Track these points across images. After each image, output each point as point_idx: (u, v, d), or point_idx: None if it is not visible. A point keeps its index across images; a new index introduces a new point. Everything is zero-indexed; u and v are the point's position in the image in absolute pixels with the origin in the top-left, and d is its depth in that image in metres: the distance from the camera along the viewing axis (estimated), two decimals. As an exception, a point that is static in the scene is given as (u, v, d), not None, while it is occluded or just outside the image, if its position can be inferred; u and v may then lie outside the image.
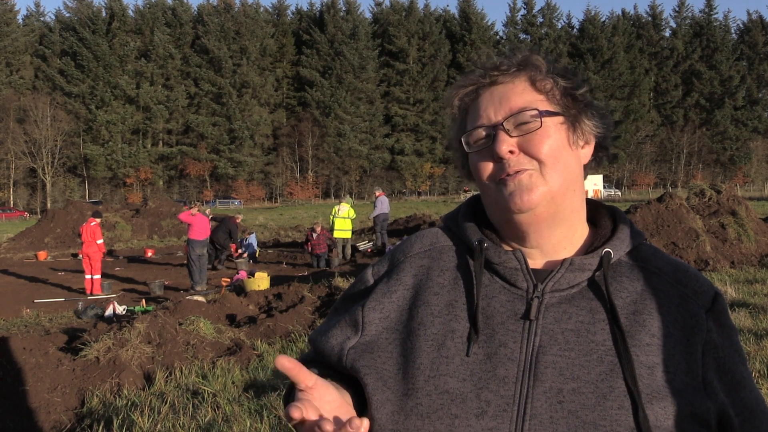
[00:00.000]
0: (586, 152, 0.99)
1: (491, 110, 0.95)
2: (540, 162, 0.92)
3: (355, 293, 1.04)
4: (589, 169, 1.02)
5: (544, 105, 0.94)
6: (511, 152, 0.92)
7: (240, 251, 17.28)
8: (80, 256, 13.41)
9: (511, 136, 0.92)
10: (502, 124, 0.93)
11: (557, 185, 0.92)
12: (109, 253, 20.26)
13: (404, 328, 0.94)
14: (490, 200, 0.96)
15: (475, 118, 0.97)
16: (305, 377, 0.80)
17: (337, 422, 0.77)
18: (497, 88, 0.96)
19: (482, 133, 0.95)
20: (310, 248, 15.83)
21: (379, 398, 0.90)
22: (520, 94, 0.94)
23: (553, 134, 0.93)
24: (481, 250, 0.96)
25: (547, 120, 0.93)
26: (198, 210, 13.79)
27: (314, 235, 15.65)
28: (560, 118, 0.95)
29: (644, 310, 0.90)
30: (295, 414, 0.74)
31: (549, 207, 0.93)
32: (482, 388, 0.86)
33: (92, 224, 13.02)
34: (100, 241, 12.89)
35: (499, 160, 0.93)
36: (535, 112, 0.92)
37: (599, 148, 1.00)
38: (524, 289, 0.93)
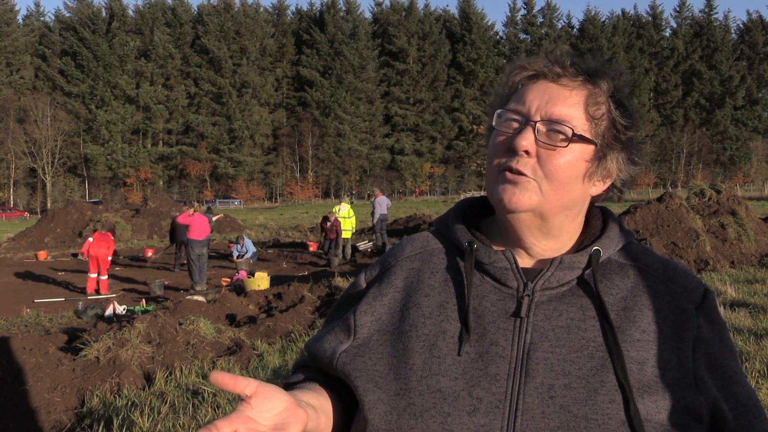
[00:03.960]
0: (599, 187, 0.97)
1: (535, 104, 0.93)
2: (545, 177, 0.91)
3: (349, 298, 1.05)
4: (597, 201, 1.01)
5: (583, 129, 0.92)
6: (527, 152, 0.91)
7: (241, 252, 17.28)
8: (80, 255, 13.64)
9: (536, 139, 0.91)
10: (535, 123, 0.92)
11: (550, 204, 0.92)
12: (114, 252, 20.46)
13: (396, 329, 0.95)
14: (488, 185, 0.97)
15: (518, 100, 0.95)
16: (243, 387, 0.78)
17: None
18: (554, 86, 0.94)
19: (515, 117, 0.94)
20: (323, 236, 16.26)
21: (371, 399, 0.90)
22: (569, 106, 0.92)
23: (572, 160, 0.92)
24: (471, 250, 0.96)
25: (575, 145, 0.91)
26: (195, 210, 13.88)
27: (328, 224, 16.15)
28: (590, 149, 0.93)
29: (634, 307, 0.91)
30: None
31: (534, 218, 0.93)
32: (474, 386, 0.87)
33: (112, 238, 13.70)
34: (110, 258, 13.36)
35: (512, 153, 0.92)
36: (569, 131, 0.91)
37: (615, 186, 0.99)
38: (515, 287, 0.93)
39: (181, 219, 13.79)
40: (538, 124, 0.91)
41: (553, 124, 0.91)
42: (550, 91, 0.93)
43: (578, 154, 0.92)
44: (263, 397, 0.79)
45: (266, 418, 0.78)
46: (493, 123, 0.96)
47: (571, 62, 0.95)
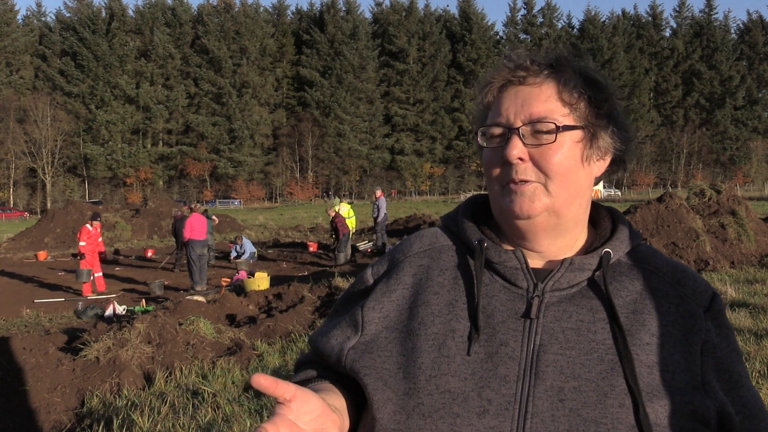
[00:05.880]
0: (601, 166, 0.98)
1: (512, 111, 0.93)
2: (547, 176, 0.91)
3: (355, 293, 1.04)
4: (601, 179, 1.01)
5: (565, 118, 0.92)
6: (521, 159, 0.91)
7: (239, 252, 17.30)
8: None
9: (525, 143, 0.92)
10: (518, 129, 0.92)
11: (561, 200, 0.92)
12: (115, 252, 20.41)
13: (404, 327, 0.94)
14: (494, 201, 0.97)
15: (495, 114, 0.96)
16: (283, 391, 0.77)
17: None
18: (523, 88, 0.94)
19: (498, 131, 0.94)
20: (336, 234, 16.19)
21: (380, 398, 0.90)
22: (543, 102, 0.93)
23: (566, 150, 0.92)
24: (481, 249, 0.96)
25: (563, 135, 0.92)
26: (194, 210, 13.76)
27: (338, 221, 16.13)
28: (578, 133, 0.93)
29: (644, 310, 0.91)
30: None
31: (549, 218, 0.93)
32: (483, 387, 0.86)
33: (83, 226, 13.08)
34: (81, 243, 12.79)
35: (507, 164, 0.92)
36: (552, 126, 0.91)
37: (616, 161, 1.00)
38: (524, 288, 0.93)
39: (187, 234, 13.10)
40: (521, 129, 0.92)
41: (535, 124, 0.91)
42: (521, 94, 0.94)
43: (570, 143, 0.92)
44: (302, 401, 0.78)
45: (305, 421, 0.78)
46: (479, 142, 0.97)
47: (530, 60, 0.96)
